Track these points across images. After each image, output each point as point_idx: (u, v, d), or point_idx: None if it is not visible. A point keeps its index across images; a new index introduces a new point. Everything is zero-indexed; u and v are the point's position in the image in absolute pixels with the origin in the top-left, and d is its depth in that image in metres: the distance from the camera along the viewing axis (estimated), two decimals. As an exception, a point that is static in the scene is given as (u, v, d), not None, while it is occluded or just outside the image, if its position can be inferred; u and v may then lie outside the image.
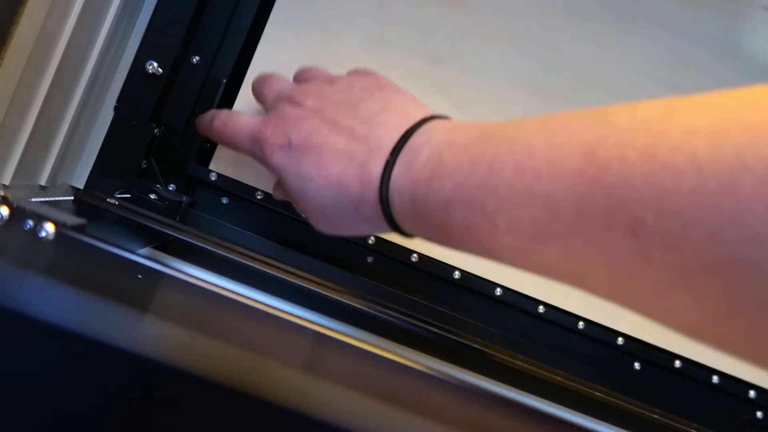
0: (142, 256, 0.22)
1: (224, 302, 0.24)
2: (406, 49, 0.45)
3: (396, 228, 0.31)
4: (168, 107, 0.43)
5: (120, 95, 0.42)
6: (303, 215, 0.36)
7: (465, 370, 0.43)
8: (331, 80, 0.35)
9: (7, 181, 0.35)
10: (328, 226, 0.35)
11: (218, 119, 0.38)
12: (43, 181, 0.39)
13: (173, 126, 0.43)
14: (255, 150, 0.35)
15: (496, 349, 0.40)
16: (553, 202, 0.22)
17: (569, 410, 0.44)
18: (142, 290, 0.21)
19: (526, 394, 0.44)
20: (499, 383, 0.44)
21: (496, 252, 0.26)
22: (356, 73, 0.37)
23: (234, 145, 0.37)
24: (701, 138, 0.19)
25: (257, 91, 0.39)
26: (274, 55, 0.44)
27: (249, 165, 0.44)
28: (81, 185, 0.43)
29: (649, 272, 0.20)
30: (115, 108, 0.43)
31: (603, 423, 0.45)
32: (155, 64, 0.40)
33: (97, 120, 0.43)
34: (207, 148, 0.44)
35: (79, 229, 0.22)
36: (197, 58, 0.43)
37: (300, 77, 0.39)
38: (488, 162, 0.25)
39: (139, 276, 0.21)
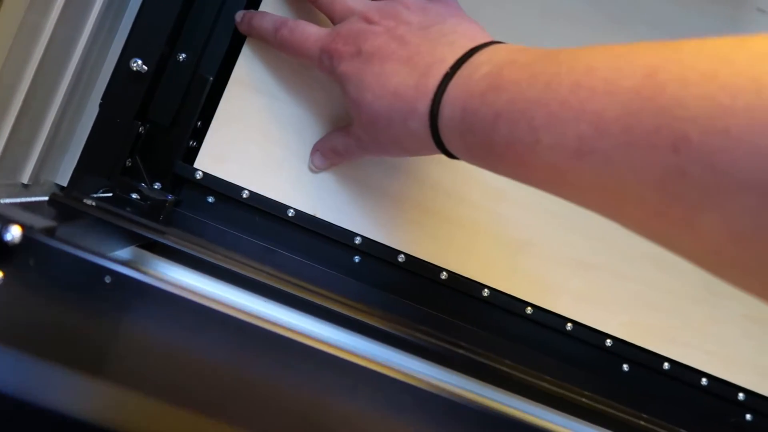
0: (115, 262, 0.22)
1: (204, 312, 0.23)
2: None
3: (439, 144, 0.32)
4: (154, 105, 0.42)
5: (105, 93, 0.42)
6: (355, 135, 0.38)
7: (451, 373, 0.43)
8: (407, 2, 0.36)
9: (-13, 179, 0.35)
10: (376, 142, 0.36)
11: (286, 27, 0.39)
12: (25, 180, 0.39)
13: (159, 124, 0.43)
14: (323, 59, 0.37)
15: (486, 355, 0.40)
16: (601, 118, 0.23)
17: (555, 412, 0.44)
18: (110, 301, 0.21)
19: (512, 395, 0.44)
20: (487, 385, 0.43)
21: (533, 170, 0.27)
22: None
23: (300, 54, 0.38)
24: None
25: (322, 3, 0.39)
26: (260, 52, 0.44)
27: (235, 162, 0.44)
28: (65, 182, 0.43)
29: (683, 191, 0.21)
30: (101, 105, 0.42)
31: (590, 425, 0.45)
32: (140, 62, 0.40)
33: (83, 117, 0.43)
34: (193, 146, 0.44)
35: (47, 232, 0.21)
36: (184, 55, 0.43)
37: None
38: (547, 79, 0.25)
39: (107, 281, 0.21)
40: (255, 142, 0.44)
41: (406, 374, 0.36)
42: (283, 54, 0.42)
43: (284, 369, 0.26)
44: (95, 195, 0.37)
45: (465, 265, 0.45)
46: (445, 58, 0.31)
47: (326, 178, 0.44)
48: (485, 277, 0.46)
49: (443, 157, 0.44)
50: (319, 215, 0.44)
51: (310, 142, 0.44)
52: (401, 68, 0.32)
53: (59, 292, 0.21)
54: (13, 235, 0.20)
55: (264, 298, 0.34)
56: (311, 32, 0.38)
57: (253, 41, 0.44)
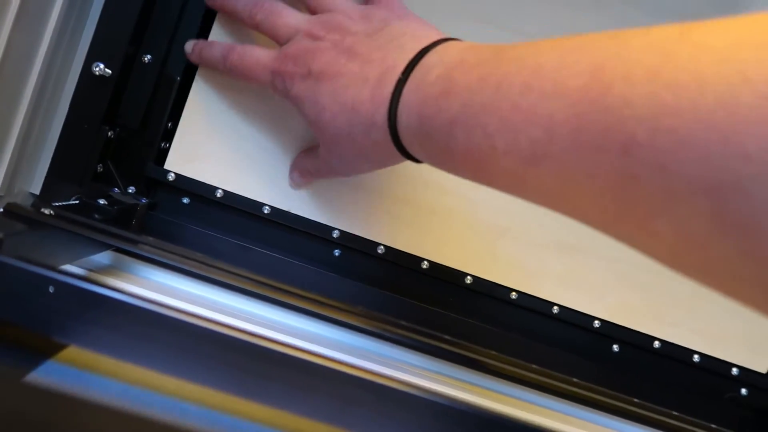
0: (58, 272, 0.21)
1: (162, 320, 0.23)
2: None
3: (403, 152, 0.32)
4: (122, 108, 0.42)
5: (72, 98, 0.41)
6: (323, 158, 0.38)
7: (440, 364, 0.43)
8: (349, 12, 0.36)
9: (-48, 193, 0.34)
10: (343, 161, 0.36)
11: (234, 53, 0.39)
12: (-4, 190, 0.39)
13: (128, 127, 0.42)
14: (275, 83, 0.36)
15: (473, 349, 0.40)
16: (552, 122, 0.22)
17: (548, 398, 0.44)
18: (55, 313, 0.21)
19: (501, 383, 0.44)
20: (475, 374, 0.43)
21: (494, 176, 0.27)
22: (375, 3, 0.37)
23: (252, 79, 0.38)
24: (709, 55, 0.18)
25: (265, 24, 0.38)
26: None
27: (206, 162, 0.43)
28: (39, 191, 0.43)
29: (636, 195, 0.20)
30: (67, 111, 0.42)
31: (583, 408, 0.44)
32: (102, 66, 0.39)
33: (53, 124, 0.43)
34: (165, 148, 0.43)
35: (-11, 244, 0.21)
36: (149, 56, 0.42)
37: (316, 6, 0.38)
38: (497, 81, 0.25)
39: (51, 290, 0.21)
40: (225, 139, 0.43)
41: (389, 377, 0.36)
42: (233, 79, 0.42)
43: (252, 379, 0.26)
44: (63, 203, 0.36)
45: (446, 254, 0.45)
46: (396, 64, 0.30)
47: (338, 186, 0.44)
48: (467, 265, 0.45)
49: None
50: (293, 211, 0.44)
51: (280, 137, 0.44)
52: (354, 81, 0.32)
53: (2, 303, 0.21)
54: (-48, 250, 0.20)
55: (235, 299, 0.34)
56: (260, 56, 0.37)
57: (217, 34, 0.43)
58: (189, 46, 0.42)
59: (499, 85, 0.25)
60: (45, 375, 0.22)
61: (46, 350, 0.24)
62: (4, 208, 0.28)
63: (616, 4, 0.45)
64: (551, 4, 0.45)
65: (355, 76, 0.32)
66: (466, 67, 0.27)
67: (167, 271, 0.39)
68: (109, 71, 0.40)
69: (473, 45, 0.29)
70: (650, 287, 0.47)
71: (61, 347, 0.24)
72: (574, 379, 0.46)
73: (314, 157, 0.40)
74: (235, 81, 0.43)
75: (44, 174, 0.42)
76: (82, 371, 0.24)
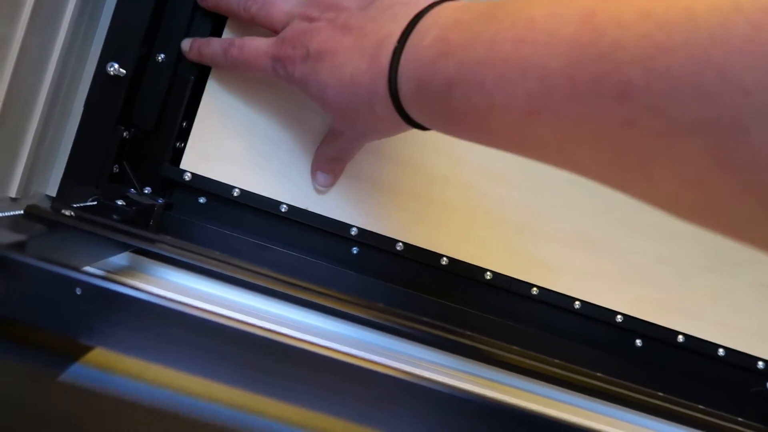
0: (85, 273, 0.21)
1: (191, 321, 0.23)
2: None
3: (409, 120, 0.32)
4: (136, 108, 0.42)
5: (86, 99, 0.41)
6: (338, 132, 0.38)
7: (460, 360, 0.42)
8: None
9: (-30, 196, 0.34)
10: (356, 131, 0.36)
11: (234, 47, 0.39)
12: (13, 193, 0.39)
13: (143, 127, 0.42)
14: (278, 69, 0.36)
15: (493, 344, 0.39)
16: (547, 72, 0.22)
17: (571, 394, 0.43)
18: (83, 314, 0.20)
19: (522, 379, 0.43)
20: (496, 371, 0.43)
21: (494, 134, 0.26)
22: None
23: (254, 69, 0.38)
24: None
25: (261, 15, 0.38)
26: None
27: (222, 160, 0.43)
28: (55, 192, 0.42)
29: (634, 140, 0.20)
30: (83, 112, 0.42)
31: (607, 404, 0.44)
32: (116, 66, 0.39)
33: (68, 126, 0.43)
34: (180, 147, 0.43)
35: (16, 248, 0.21)
36: (162, 56, 0.42)
37: None
38: (490, 37, 0.25)
39: (78, 292, 0.20)
40: (241, 137, 0.43)
41: (409, 372, 0.35)
42: (231, 74, 0.42)
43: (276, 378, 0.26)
44: (82, 204, 0.36)
45: (465, 250, 0.44)
46: (391, 32, 0.30)
47: (349, 181, 0.43)
48: (486, 261, 0.45)
49: (436, 141, 0.43)
50: (311, 209, 0.43)
51: (297, 134, 0.43)
52: (351, 56, 0.31)
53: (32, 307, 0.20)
54: (-23, 254, 0.20)
55: (256, 298, 0.33)
56: (259, 45, 0.37)
57: (231, 31, 0.43)
58: (186, 44, 0.41)
59: (493, 41, 0.25)
60: (73, 378, 0.22)
61: (72, 352, 0.24)
62: (24, 210, 0.28)
63: None
64: None
65: (352, 51, 0.31)
66: (461, 26, 0.27)
67: (186, 271, 0.39)
68: (124, 71, 0.40)
69: (467, 4, 0.29)
70: (672, 280, 0.46)
71: (87, 349, 0.24)
72: (598, 374, 0.45)
73: (332, 140, 0.40)
74: (249, 78, 0.43)
75: (59, 176, 0.42)
76: (109, 373, 0.24)
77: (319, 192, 0.43)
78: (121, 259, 0.40)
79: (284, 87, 0.43)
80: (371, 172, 0.44)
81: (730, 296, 0.47)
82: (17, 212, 0.29)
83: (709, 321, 0.47)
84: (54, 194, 0.43)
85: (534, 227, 0.45)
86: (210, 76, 0.43)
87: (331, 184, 0.43)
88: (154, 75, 0.42)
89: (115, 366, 0.24)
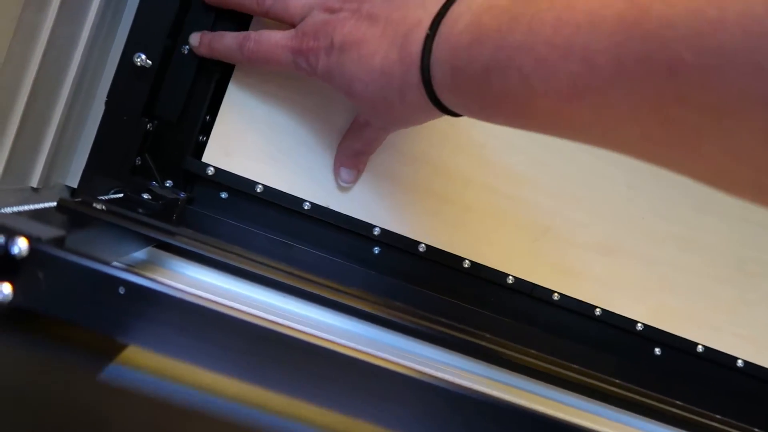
0: (128, 272, 0.20)
1: (224, 320, 0.22)
2: None
3: (442, 108, 0.31)
4: (160, 100, 0.41)
5: (110, 90, 0.41)
6: (364, 122, 0.38)
7: (478, 363, 0.42)
8: None
9: (-6, 186, 0.34)
10: (384, 122, 0.36)
11: (249, 41, 0.37)
12: (34, 183, 0.38)
13: (167, 119, 0.41)
14: (299, 62, 0.35)
15: (512, 347, 0.39)
16: (590, 54, 0.22)
17: (588, 401, 0.43)
18: (124, 312, 0.20)
19: (540, 384, 0.43)
20: (514, 375, 0.42)
21: (533, 118, 0.26)
22: None
23: (273, 63, 0.37)
24: None
25: (277, 8, 0.37)
26: None
27: (245, 156, 0.42)
28: (75, 183, 0.42)
29: (682, 117, 0.20)
30: (106, 103, 0.41)
31: (624, 412, 0.43)
32: (143, 57, 0.38)
33: (89, 116, 0.42)
34: (203, 141, 0.43)
35: (55, 242, 0.20)
36: (188, 48, 0.41)
37: None
38: (528, 20, 0.24)
39: (121, 291, 0.20)
40: (264, 133, 0.42)
41: (428, 373, 0.35)
42: (255, 68, 0.41)
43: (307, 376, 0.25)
44: (105, 197, 0.35)
45: (487, 254, 0.44)
46: (421, 20, 0.29)
47: (369, 178, 0.43)
48: (508, 265, 0.44)
49: (460, 143, 0.42)
50: (332, 207, 0.43)
51: (321, 131, 0.43)
52: (380, 46, 0.30)
53: (71, 304, 0.20)
54: (20, 248, 0.19)
55: (284, 298, 0.33)
56: (278, 38, 0.36)
57: (258, 28, 0.42)
58: (195, 38, 0.40)
59: (530, 25, 0.24)
60: (111, 377, 0.22)
61: (108, 351, 0.23)
62: (57, 204, 0.27)
63: None
64: None
65: (379, 40, 0.31)
66: (495, 10, 0.26)
67: (209, 267, 0.38)
68: (150, 62, 0.39)
69: None
70: (693, 290, 0.46)
71: (121, 348, 0.24)
72: (616, 381, 0.45)
73: (357, 131, 0.40)
74: (275, 74, 0.42)
75: (79, 167, 0.42)
76: (144, 373, 0.23)
77: (342, 189, 0.43)
78: (141, 253, 0.39)
79: (308, 82, 0.42)
80: (395, 172, 0.43)
81: (750, 308, 0.46)
82: (46, 204, 0.28)
83: (728, 332, 0.46)
84: (73, 185, 0.42)
85: (557, 232, 0.44)
86: (235, 70, 0.42)
87: (355, 181, 0.42)
88: (180, 67, 0.41)
89: (150, 365, 0.24)
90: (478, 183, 0.44)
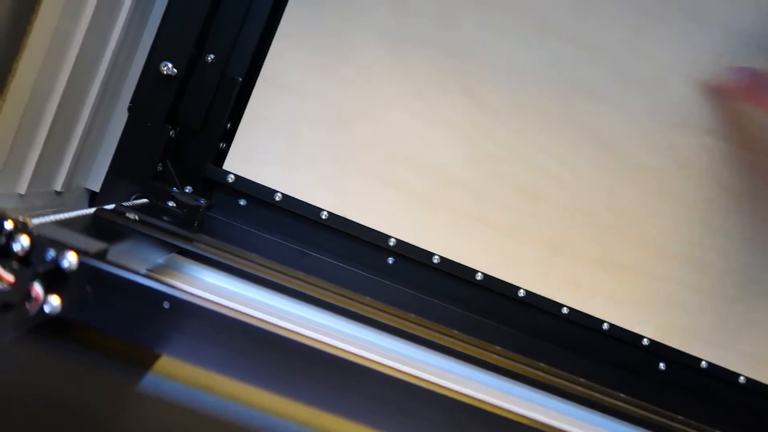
0: (173, 288, 0.21)
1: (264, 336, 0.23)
2: (423, 41, 0.43)
3: None
4: (183, 108, 0.42)
5: (134, 97, 0.41)
6: None
7: (486, 374, 0.42)
8: None
9: (23, 190, 0.34)
10: None
11: None
12: (58, 187, 0.39)
13: (189, 127, 0.42)
14: None
15: (519, 359, 0.40)
16: None
17: (592, 412, 0.44)
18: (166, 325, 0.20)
19: (547, 396, 0.43)
20: (521, 386, 0.43)
21: None
22: None
23: None
24: None
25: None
26: (288, 52, 0.43)
27: (265, 164, 0.43)
28: (96, 187, 0.42)
29: None
30: (129, 109, 0.42)
31: (627, 424, 0.44)
32: (170, 65, 0.39)
33: (111, 121, 0.42)
34: (223, 149, 0.43)
35: (100, 256, 0.21)
36: (212, 56, 0.42)
37: None
38: None
39: (165, 306, 0.20)
40: (285, 142, 0.43)
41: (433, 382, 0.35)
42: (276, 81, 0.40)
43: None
44: (129, 203, 0.36)
45: (500, 267, 0.45)
46: None
47: (358, 180, 0.44)
48: (520, 279, 0.45)
49: (476, 157, 0.43)
50: (349, 217, 0.43)
51: (341, 143, 0.43)
52: None
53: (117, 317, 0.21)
54: (69, 262, 0.20)
55: (307, 308, 0.33)
56: None
57: (282, 39, 0.43)
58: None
59: None
60: (148, 388, 0.22)
61: (144, 361, 0.24)
62: (94, 215, 0.28)
63: (680, 19, 0.45)
64: (612, 19, 0.45)
65: None
66: None
67: (225, 272, 0.39)
68: (176, 70, 0.40)
69: None
70: (699, 308, 0.47)
71: (156, 357, 0.24)
72: (621, 395, 0.45)
73: None
74: (296, 85, 0.43)
75: (99, 171, 0.42)
76: (180, 384, 0.24)
77: (360, 199, 0.43)
78: (163, 259, 0.40)
79: (332, 94, 0.43)
80: (411, 184, 0.44)
81: (755, 327, 0.47)
82: (80, 212, 0.29)
83: (732, 350, 0.47)
84: (94, 188, 0.43)
85: (569, 248, 0.45)
86: (259, 79, 0.43)
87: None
88: (203, 75, 0.42)
89: (184, 376, 0.24)
90: (492, 197, 0.44)
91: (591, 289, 0.46)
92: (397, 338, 0.40)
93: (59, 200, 0.40)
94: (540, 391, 0.43)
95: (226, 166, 0.43)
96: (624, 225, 0.46)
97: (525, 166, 0.45)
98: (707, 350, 0.47)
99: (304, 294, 0.32)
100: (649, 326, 0.47)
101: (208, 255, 0.30)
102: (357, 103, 0.43)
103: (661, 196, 0.46)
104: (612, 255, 0.46)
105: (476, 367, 0.42)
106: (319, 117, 0.43)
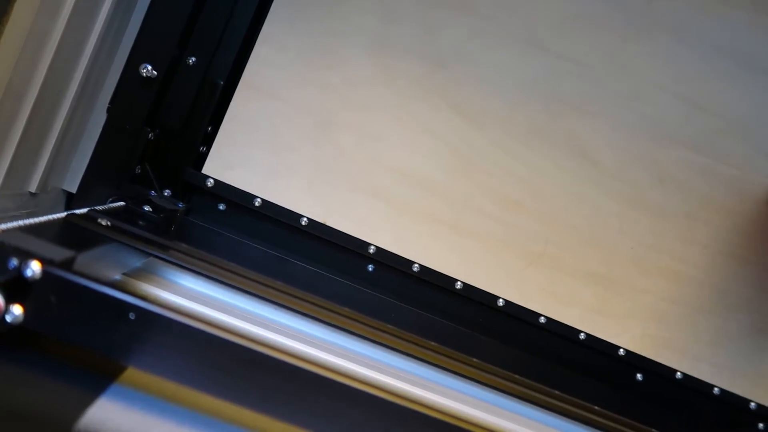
0: (139, 298, 0.21)
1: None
2: (410, 52, 0.43)
3: None
4: (163, 110, 0.41)
5: (113, 99, 0.41)
6: None
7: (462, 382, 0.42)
8: None
9: (-6, 191, 0.34)
10: None
11: None
12: (33, 188, 0.38)
13: (169, 130, 0.41)
14: None
15: (497, 372, 0.40)
16: None
17: (570, 422, 0.44)
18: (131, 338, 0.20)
19: (523, 405, 0.44)
20: (496, 394, 0.43)
21: None
22: None
23: None
24: None
25: None
26: (271, 57, 0.43)
27: (245, 169, 0.43)
28: (73, 189, 0.42)
29: None
30: (108, 110, 0.41)
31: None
32: (149, 67, 0.39)
33: (89, 122, 0.42)
34: (203, 152, 0.43)
35: (66, 265, 0.20)
36: (193, 59, 0.41)
37: None
38: None
39: (131, 317, 0.20)
40: (265, 148, 0.43)
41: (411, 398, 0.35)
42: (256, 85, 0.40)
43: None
44: (105, 206, 0.36)
45: (479, 276, 0.45)
46: None
47: (339, 187, 0.43)
48: (499, 288, 0.45)
49: (459, 168, 0.43)
50: (329, 224, 0.43)
51: (322, 148, 0.43)
52: None
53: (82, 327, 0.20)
54: (33, 271, 0.19)
55: (277, 313, 0.33)
56: None
57: (265, 43, 0.42)
58: None
59: None
60: (113, 399, 0.22)
61: (109, 372, 0.23)
62: (64, 220, 0.27)
63: (662, 36, 0.45)
64: (598, 34, 0.45)
65: None
66: None
67: (206, 279, 0.39)
68: (156, 73, 0.39)
69: None
70: (676, 320, 0.47)
71: (121, 369, 0.24)
72: (596, 407, 0.46)
73: None
74: (278, 90, 0.42)
75: (77, 172, 0.41)
76: (146, 394, 0.23)
77: (339, 207, 0.43)
78: (139, 261, 0.39)
79: (314, 99, 0.43)
80: (393, 192, 0.44)
81: (729, 339, 0.48)
82: (50, 217, 0.28)
83: (707, 362, 0.48)
84: (70, 189, 0.42)
85: (548, 259, 0.45)
86: (240, 84, 0.42)
87: None
88: (184, 77, 0.41)
89: (151, 387, 0.24)
90: (474, 207, 0.44)
91: (569, 300, 0.46)
92: (374, 347, 0.39)
93: (34, 202, 0.39)
94: (518, 401, 0.43)
95: (205, 170, 0.42)
96: (604, 237, 0.46)
97: (509, 179, 0.45)
98: (682, 363, 0.48)
99: (281, 303, 0.32)
100: (624, 339, 0.47)
101: (183, 264, 0.30)
102: (339, 110, 0.43)
103: (640, 209, 0.46)
104: (590, 267, 0.46)
105: (453, 377, 0.42)
106: (301, 123, 0.43)
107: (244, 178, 0.43)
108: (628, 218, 0.46)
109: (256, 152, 0.43)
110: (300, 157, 0.43)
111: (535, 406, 0.43)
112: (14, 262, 0.19)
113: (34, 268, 0.20)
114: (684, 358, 0.48)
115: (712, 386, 0.48)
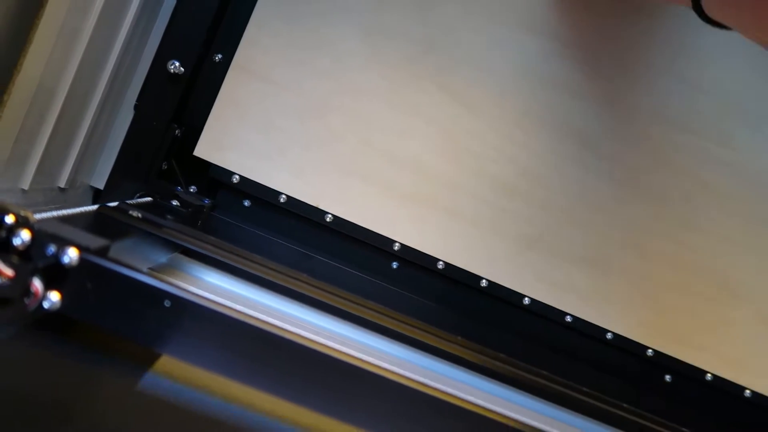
0: (175, 286, 0.21)
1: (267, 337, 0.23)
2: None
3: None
4: (190, 107, 0.42)
5: (140, 95, 0.41)
6: None
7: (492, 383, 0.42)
8: None
9: (26, 185, 0.34)
10: None
11: None
12: (62, 183, 0.38)
13: (195, 126, 0.42)
14: None
15: (524, 367, 0.39)
16: None
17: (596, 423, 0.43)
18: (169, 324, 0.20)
19: (549, 405, 0.43)
20: (524, 394, 0.43)
21: None
22: None
23: None
24: None
25: None
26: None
27: (269, 165, 0.43)
28: (100, 185, 0.42)
29: None
30: (135, 107, 0.41)
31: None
32: (177, 64, 0.39)
33: (117, 119, 0.42)
34: (229, 149, 0.43)
35: (101, 252, 0.21)
36: (220, 56, 0.42)
37: None
38: None
39: (166, 305, 0.20)
40: (289, 144, 0.43)
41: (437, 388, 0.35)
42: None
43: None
44: (133, 201, 0.36)
45: (504, 275, 0.44)
46: None
47: (361, 183, 0.43)
48: (525, 287, 0.44)
49: (482, 164, 0.43)
50: (354, 220, 0.43)
51: (349, 148, 0.43)
52: None
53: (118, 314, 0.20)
54: (70, 258, 0.19)
55: (310, 312, 0.33)
56: None
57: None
58: None
59: None
60: (148, 387, 0.22)
61: (144, 360, 0.23)
62: (96, 212, 0.28)
63: (660, 15, 0.44)
64: (592, 15, 0.44)
65: None
66: None
67: (226, 273, 0.39)
68: (183, 69, 0.39)
69: None
70: (674, 307, 0.46)
71: (157, 356, 0.24)
72: (624, 405, 0.45)
73: None
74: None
75: (105, 168, 0.42)
76: (180, 383, 0.23)
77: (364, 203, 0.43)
78: (165, 257, 0.39)
79: (343, 101, 0.42)
80: (415, 191, 0.43)
81: (736, 330, 0.47)
82: (82, 209, 0.29)
83: (711, 352, 0.47)
84: (98, 185, 0.42)
85: (544, 242, 0.45)
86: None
87: None
88: (210, 75, 0.42)
89: (185, 376, 0.24)
90: (498, 207, 0.44)
91: (564, 287, 0.45)
92: (401, 343, 0.39)
93: (62, 197, 0.39)
94: (545, 401, 0.43)
95: (229, 166, 0.42)
96: (602, 220, 0.45)
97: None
98: (711, 364, 0.47)
99: (308, 296, 0.32)
100: (622, 327, 0.46)
101: (212, 255, 0.30)
102: (371, 107, 0.43)
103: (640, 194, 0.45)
104: (588, 252, 0.45)
105: (478, 375, 0.42)
106: (326, 123, 0.43)
107: (269, 175, 0.42)
108: (624, 201, 0.45)
109: (280, 149, 0.43)
110: (325, 154, 0.43)
111: (560, 407, 0.42)
112: (52, 248, 0.20)
113: (72, 254, 0.20)
114: (713, 359, 0.47)
115: (743, 388, 0.47)
